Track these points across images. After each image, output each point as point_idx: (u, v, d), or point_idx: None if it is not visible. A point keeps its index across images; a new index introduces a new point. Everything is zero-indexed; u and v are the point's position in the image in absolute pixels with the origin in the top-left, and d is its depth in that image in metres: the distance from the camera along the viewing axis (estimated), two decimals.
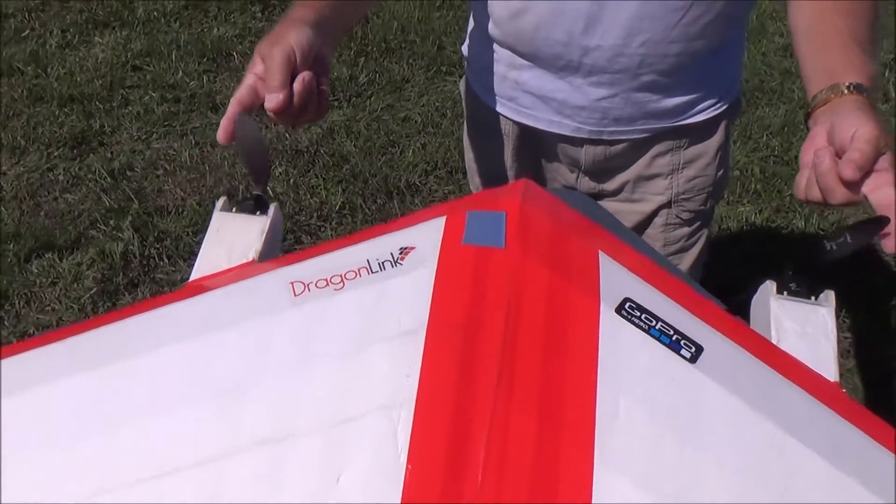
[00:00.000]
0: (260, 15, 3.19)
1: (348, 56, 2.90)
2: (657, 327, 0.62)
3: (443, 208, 0.70)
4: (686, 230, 1.17)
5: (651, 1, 0.91)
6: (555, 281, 0.63)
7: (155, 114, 2.52)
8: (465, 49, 1.15)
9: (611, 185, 1.12)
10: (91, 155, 2.35)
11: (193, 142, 2.42)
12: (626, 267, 0.67)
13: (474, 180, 1.22)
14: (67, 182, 2.24)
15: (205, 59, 2.84)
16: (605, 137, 1.06)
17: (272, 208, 0.74)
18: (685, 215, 1.15)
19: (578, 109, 1.03)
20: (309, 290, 0.64)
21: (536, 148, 1.12)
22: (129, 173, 2.27)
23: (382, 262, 0.65)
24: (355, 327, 0.61)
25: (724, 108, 1.07)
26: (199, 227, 2.05)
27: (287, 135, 2.48)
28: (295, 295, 0.64)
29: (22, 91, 2.60)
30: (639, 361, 0.60)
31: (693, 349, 0.61)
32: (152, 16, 3.11)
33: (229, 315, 0.63)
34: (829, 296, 0.70)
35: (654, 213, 1.13)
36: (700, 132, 1.07)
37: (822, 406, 0.61)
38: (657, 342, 0.61)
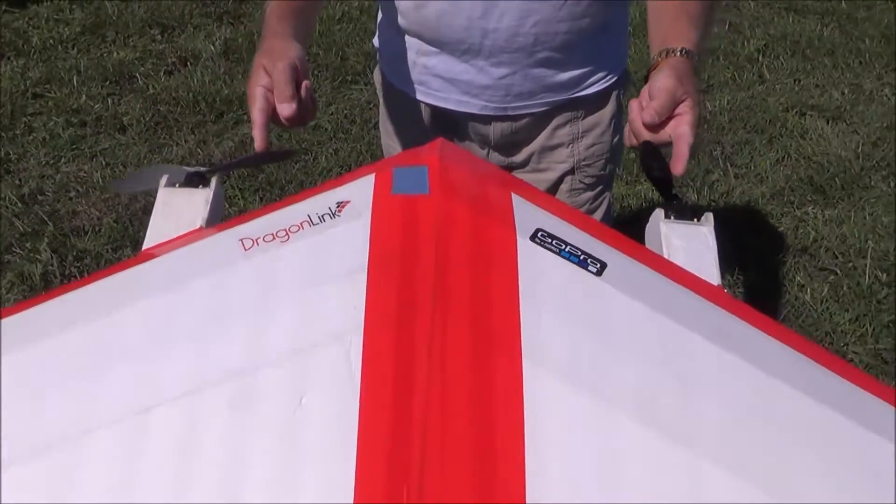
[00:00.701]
0: (160, 38, 3.20)
1: None
2: (567, 250, 0.71)
3: (371, 167, 0.78)
4: (590, 194, 1.28)
5: None
6: (476, 218, 0.72)
7: (62, 138, 2.51)
8: (375, 41, 1.23)
9: (518, 157, 1.22)
10: None
11: (104, 163, 2.42)
12: (536, 204, 0.77)
13: None
14: None
15: (107, 83, 2.84)
16: (509, 113, 1.16)
17: (213, 181, 0.81)
18: (588, 180, 1.26)
19: (483, 88, 1.13)
20: (257, 244, 0.71)
21: (449, 127, 1.21)
22: (40, 197, 2.26)
23: (322, 216, 0.73)
24: (304, 271, 0.68)
25: (615, 79, 1.18)
26: (119, 244, 2.06)
27: (199, 150, 2.51)
28: (245, 249, 0.70)
29: None
30: (553, 278, 0.69)
31: (598, 265, 0.71)
32: (48, 44, 3.08)
33: (188, 271, 0.69)
34: (709, 216, 0.82)
35: (560, 180, 1.24)
36: (594, 103, 1.18)
37: (708, 302, 0.72)
38: (567, 261, 0.70)
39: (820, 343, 1.88)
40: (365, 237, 0.70)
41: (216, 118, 2.64)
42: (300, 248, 0.70)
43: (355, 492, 0.54)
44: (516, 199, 0.76)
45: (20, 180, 2.34)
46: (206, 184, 0.80)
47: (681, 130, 0.83)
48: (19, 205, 2.22)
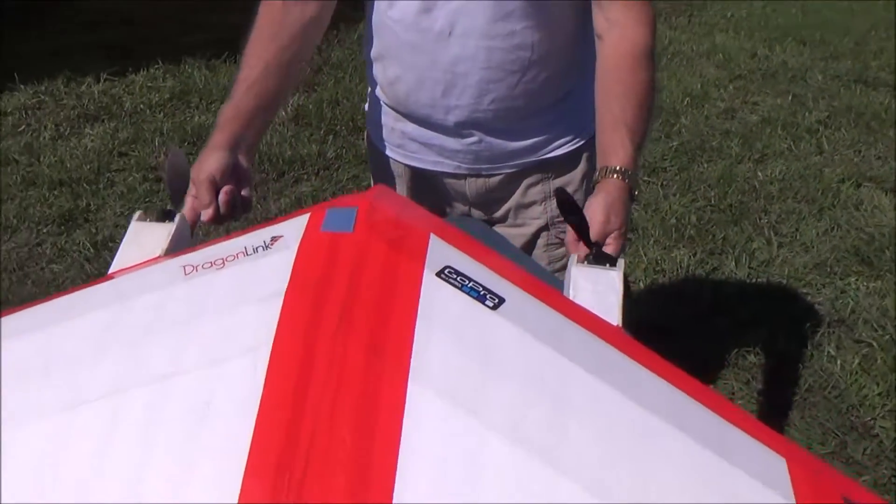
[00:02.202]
0: None
1: (318, 135, 3.14)
2: (470, 285, 0.78)
3: (310, 209, 0.87)
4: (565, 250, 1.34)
5: (492, 69, 1.11)
6: (390, 253, 0.80)
7: (137, 192, 2.74)
8: (366, 108, 1.35)
9: (498, 213, 1.29)
10: (77, 230, 2.56)
11: None
12: (454, 246, 0.84)
13: None
14: (54, 254, 2.44)
15: (186, 144, 3.08)
16: (482, 173, 1.24)
17: (177, 217, 0.92)
18: (563, 236, 1.29)
19: (455, 152, 1.22)
20: (197, 270, 0.81)
21: (428, 186, 1.30)
22: (111, 244, 2.47)
23: (256, 248, 0.82)
24: (231, 294, 0.77)
25: (583, 142, 1.24)
26: None
27: (259, 205, 2.69)
28: (185, 274, 0.80)
29: (16, 178, 2.83)
30: (450, 309, 0.76)
31: (496, 300, 0.77)
32: (139, 108, 3.38)
33: (135, 289, 0.80)
34: (620, 262, 0.87)
35: (537, 235, 1.30)
36: (563, 164, 1.25)
37: (596, 339, 0.77)
38: (467, 296, 0.77)
39: (845, 415, 1.83)
40: (288, 267, 0.78)
41: (277, 177, 2.83)
42: (231, 275, 0.79)
43: (242, 486, 0.61)
44: (434, 240, 0.83)
45: (96, 228, 2.56)
46: (171, 219, 0.92)
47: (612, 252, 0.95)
48: (91, 250, 2.44)
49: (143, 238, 0.90)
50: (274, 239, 0.83)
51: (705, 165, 2.91)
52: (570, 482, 0.63)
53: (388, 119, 1.25)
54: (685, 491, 0.66)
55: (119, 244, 0.87)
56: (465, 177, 1.25)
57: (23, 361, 0.73)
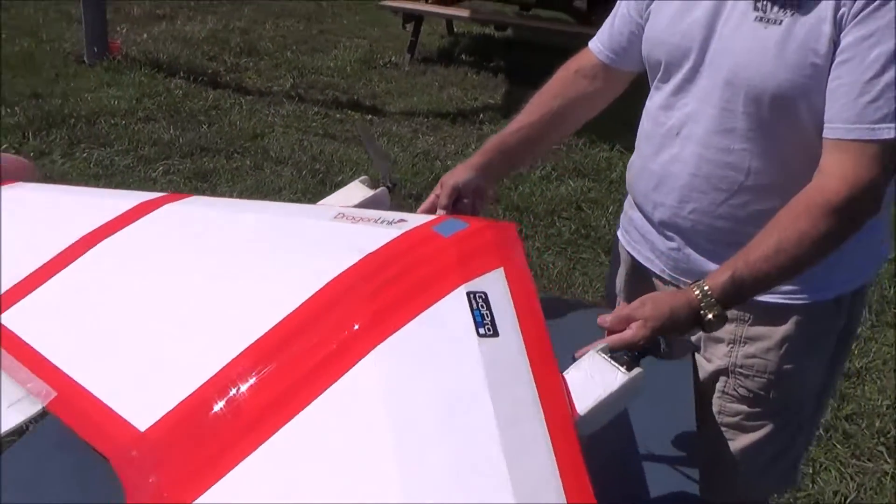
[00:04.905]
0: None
1: None
2: (481, 312, 0.90)
3: (443, 214, 1.09)
4: (744, 409, 1.24)
5: (699, 178, 1.13)
6: (452, 263, 0.96)
7: None
8: None
9: (693, 336, 1.25)
10: None
11: None
12: (510, 286, 0.96)
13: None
14: None
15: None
16: (681, 286, 1.19)
17: (379, 190, 1.22)
18: (742, 391, 1.23)
19: (660, 253, 1.25)
20: (343, 218, 1.08)
21: (643, 283, 1.31)
22: None
23: (384, 221, 1.06)
24: (347, 239, 1.03)
25: (796, 303, 1.15)
26: None
27: None
28: (334, 218, 1.09)
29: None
30: (449, 321, 0.89)
31: (491, 332, 0.87)
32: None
33: (305, 215, 1.12)
34: (637, 372, 0.87)
35: (716, 377, 1.24)
36: (765, 314, 1.16)
37: (536, 405, 0.81)
38: (472, 317, 0.89)
39: None
40: (386, 240, 1.01)
41: None
42: (356, 229, 1.05)
43: (221, 369, 0.86)
44: (496, 272, 0.96)
45: None
46: (376, 188, 1.22)
47: (611, 337, 0.94)
48: None
49: (351, 193, 1.22)
50: (401, 220, 1.06)
51: None
52: (398, 489, 0.73)
53: (627, 204, 1.35)
54: None
55: None
56: (668, 283, 1.25)
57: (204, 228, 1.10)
